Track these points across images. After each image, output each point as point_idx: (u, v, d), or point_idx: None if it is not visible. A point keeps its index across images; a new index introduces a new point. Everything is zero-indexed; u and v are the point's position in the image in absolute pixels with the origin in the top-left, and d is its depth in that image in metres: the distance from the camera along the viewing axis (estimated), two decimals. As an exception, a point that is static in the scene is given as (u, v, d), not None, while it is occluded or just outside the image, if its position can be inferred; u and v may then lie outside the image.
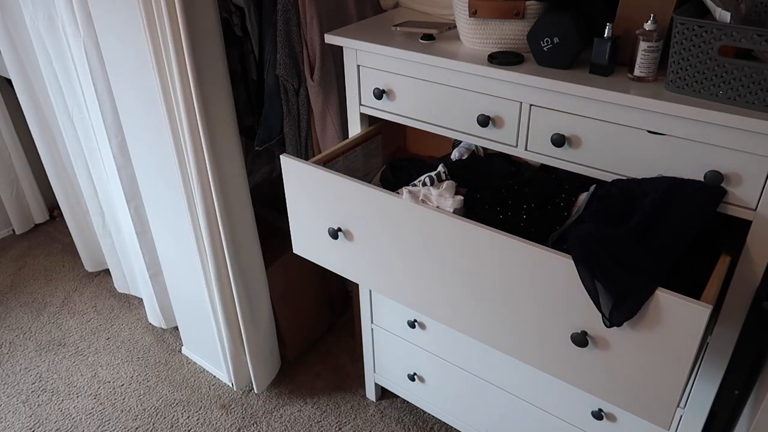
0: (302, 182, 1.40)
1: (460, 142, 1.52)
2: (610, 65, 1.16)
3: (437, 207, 1.26)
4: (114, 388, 2.20)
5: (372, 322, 1.88)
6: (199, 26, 1.47)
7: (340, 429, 2.00)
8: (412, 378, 1.87)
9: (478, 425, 1.80)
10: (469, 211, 1.29)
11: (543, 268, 1.07)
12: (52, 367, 2.30)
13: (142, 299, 2.49)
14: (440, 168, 1.38)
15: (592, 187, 1.23)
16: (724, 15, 1.02)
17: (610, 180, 1.18)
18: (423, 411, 2.03)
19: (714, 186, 1.06)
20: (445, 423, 1.96)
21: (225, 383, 2.19)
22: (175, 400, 2.14)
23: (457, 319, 1.27)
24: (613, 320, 1.00)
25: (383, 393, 2.11)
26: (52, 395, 2.18)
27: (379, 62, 1.42)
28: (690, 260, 1.11)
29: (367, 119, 1.58)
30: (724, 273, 1.08)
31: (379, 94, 1.46)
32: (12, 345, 2.41)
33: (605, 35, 1.13)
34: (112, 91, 1.80)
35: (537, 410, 1.60)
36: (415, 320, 1.74)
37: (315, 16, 1.59)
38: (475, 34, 1.31)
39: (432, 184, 1.34)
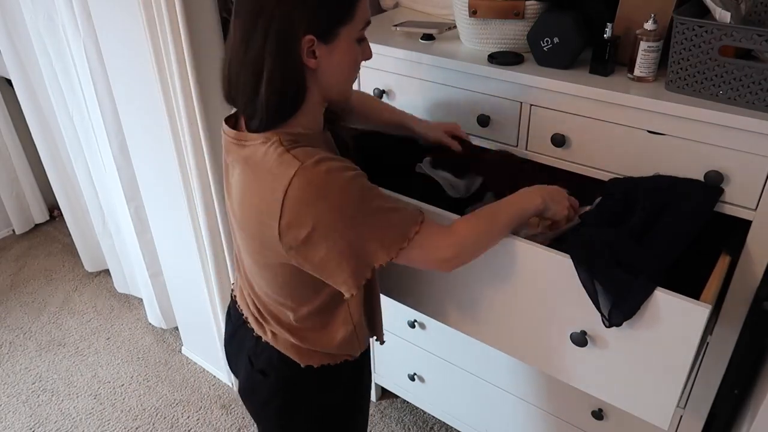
0: (302, 182, 1.40)
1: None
2: (610, 65, 1.16)
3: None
4: (114, 388, 2.20)
5: (372, 322, 1.88)
6: (199, 26, 1.47)
7: (340, 429, 2.00)
8: (412, 378, 1.88)
9: (478, 425, 1.80)
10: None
11: (543, 268, 1.07)
12: (52, 367, 2.30)
13: (142, 299, 2.49)
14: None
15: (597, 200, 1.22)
16: (724, 15, 1.02)
17: (609, 180, 1.18)
18: (423, 411, 2.03)
19: (712, 185, 1.06)
20: (445, 423, 1.96)
21: (225, 383, 2.19)
22: (175, 400, 2.14)
23: (457, 318, 1.27)
24: (612, 320, 1.00)
25: (383, 393, 2.10)
26: (52, 395, 2.18)
27: (379, 62, 1.42)
28: (690, 260, 1.11)
29: (367, 119, 1.58)
30: (724, 273, 1.08)
31: (379, 94, 1.46)
32: (12, 345, 2.41)
33: (605, 35, 1.13)
34: (112, 91, 1.80)
35: (537, 410, 1.60)
36: (415, 320, 1.74)
37: (315, 16, 1.59)
38: (475, 34, 1.31)
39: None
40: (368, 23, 0.92)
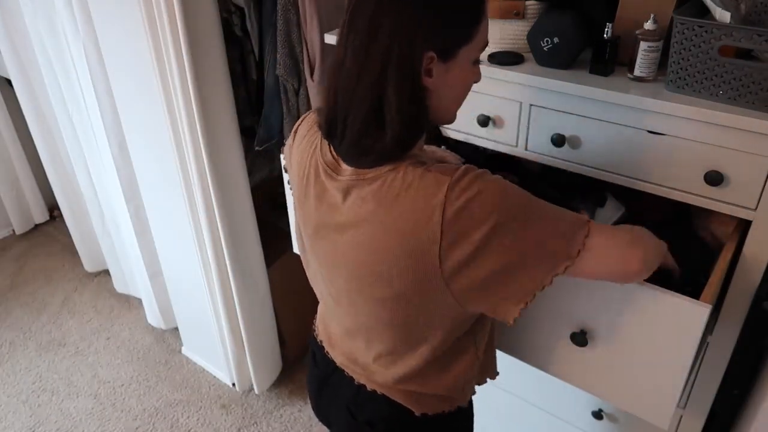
0: (302, 182, 1.40)
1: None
2: (610, 65, 1.16)
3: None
4: (114, 388, 2.20)
5: (372, 322, 1.88)
6: (199, 26, 1.47)
7: (340, 429, 2.00)
8: (412, 378, 1.87)
9: (476, 424, 1.80)
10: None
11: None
12: (52, 367, 2.30)
13: (141, 299, 2.49)
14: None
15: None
16: (724, 15, 1.02)
17: (609, 180, 1.18)
18: (423, 411, 2.02)
19: None
20: (445, 423, 1.96)
21: (225, 383, 2.19)
22: (175, 400, 2.14)
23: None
24: None
25: (383, 393, 2.10)
26: (52, 395, 2.18)
27: (379, 62, 1.42)
28: (690, 259, 1.11)
29: (367, 119, 1.58)
30: (724, 273, 1.08)
31: (379, 94, 1.45)
32: (12, 345, 2.41)
33: (605, 35, 1.13)
34: (111, 91, 1.80)
35: (537, 410, 1.60)
36: (415, 320, 1.73)
37: (315, 16, 1.59)
38: (475, 34, 1.31)
39: None
40: (486, 44, 0.86)
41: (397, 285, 0.85)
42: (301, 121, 1.00)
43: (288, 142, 1.03)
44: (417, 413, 1.00)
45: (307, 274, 1.07)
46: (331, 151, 0.89)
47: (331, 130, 0.85)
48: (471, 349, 1.00)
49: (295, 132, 1.00)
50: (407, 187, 0.81)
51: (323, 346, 1.09)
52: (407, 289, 0.85)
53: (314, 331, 1.14)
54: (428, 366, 0.96)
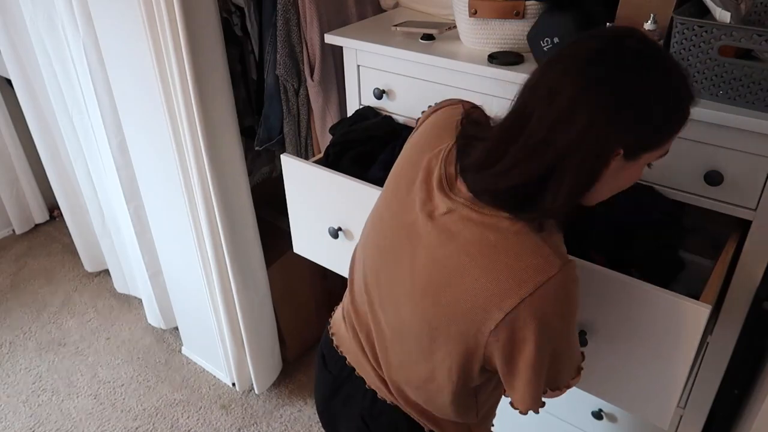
0: (302, 182, 1.40)
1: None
2: (610, 65, 1.15)
3: None
4: (114, 388, 2.20)
5: (372, 322, 1.88)
6: (199, 26, 1.47)
7: (340, 429, 2.00)
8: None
9: (478, 425, 1.80)
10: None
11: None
12: (52, 367, 2.30)
13: (141, 299, 2.49)
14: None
15: None
16: (724, 15, 1.02)
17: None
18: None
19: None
20: (445, 423, 1.96)
21: (225, 383, 2.19)
22: (175, 400, 2.14)
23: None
24: None
25: (383, 393, 2.10)
26: (52, 395, 2.18)
27: (379, 62, 1.42)
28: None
29: (367, 119, 1.58)
30: (724, 273, 1.08)
31: (379, 94, 1.46)
32: (12, 345, 2.41)
33: (605, 35, 1.13)
34: (111, 91, 1.80)
35: (537, 410, 1.60)
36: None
37: (315, 16, 1.59)
38: (475, 34, 1.31)
39: None
40: (667, 153, 0.84)
41: (442, 321, 0.85)
42: (440, 109, 1.00)
43: (421, 118, 1.03)
44: (426, 430, 0.99)
45: (355, 255, 1.05)
46: (456, 166, 0.87)
47: (485, 164, 0.82)
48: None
49: (430, 115, 1.00)
50: (517, 246, 0.80)
51: (332, 341, 1.07)
52: (451, 329, 0.85)
53: (328, 325, 1.11)
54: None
